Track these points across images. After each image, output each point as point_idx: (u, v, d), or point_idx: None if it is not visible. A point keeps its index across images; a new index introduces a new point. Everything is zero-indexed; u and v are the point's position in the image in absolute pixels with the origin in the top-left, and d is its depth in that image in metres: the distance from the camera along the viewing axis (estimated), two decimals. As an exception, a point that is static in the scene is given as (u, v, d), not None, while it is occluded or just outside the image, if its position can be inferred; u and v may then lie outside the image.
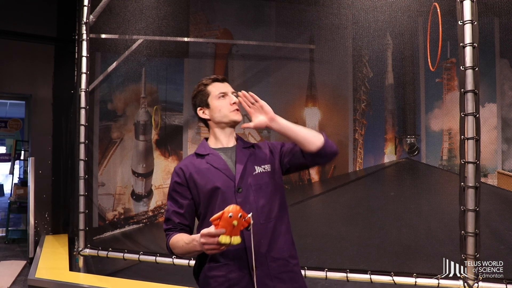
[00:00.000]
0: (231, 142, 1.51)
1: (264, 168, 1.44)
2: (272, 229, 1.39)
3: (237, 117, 1.50)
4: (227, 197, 1.37)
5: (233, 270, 1.35)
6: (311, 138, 1.38)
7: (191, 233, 1.43)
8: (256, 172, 1.43)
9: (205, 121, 1.55)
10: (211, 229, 1.16)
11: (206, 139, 1.56)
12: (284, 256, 1.40)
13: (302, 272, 2.92)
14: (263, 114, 1.41)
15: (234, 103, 1.49)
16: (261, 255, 1.35)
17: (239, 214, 1.17)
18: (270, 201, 1.41)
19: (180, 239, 1.36)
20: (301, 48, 4.64)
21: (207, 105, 1.52)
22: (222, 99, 1.50)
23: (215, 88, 1.51)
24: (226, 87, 1.52)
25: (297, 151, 1.44)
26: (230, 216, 1.15)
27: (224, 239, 1.15)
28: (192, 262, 3.22)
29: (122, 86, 4.53)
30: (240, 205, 1.22)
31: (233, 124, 1.51)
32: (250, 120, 1.46)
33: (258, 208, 1.38)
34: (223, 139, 1.50)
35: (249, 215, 1.21)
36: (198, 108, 1.56)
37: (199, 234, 1.22)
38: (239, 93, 1.44)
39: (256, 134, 4.63)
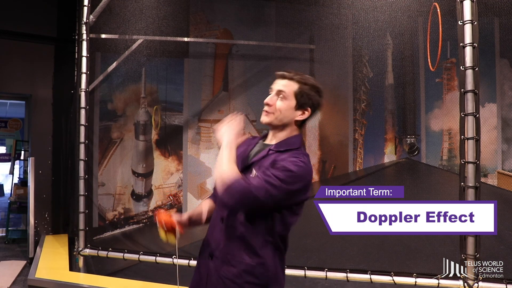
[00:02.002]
0: (273, 141, 1.44)
1: (255, 174, 1.36)
2: (236, 232, 1.35)
3: (262, 117, 1.43)
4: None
5: (201, 253, 1.47)
6: (215, 178, 1.31)
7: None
8: (252, 175, 1.36)
9: None
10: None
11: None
12: (232, 263, 1.35)
13: (302, 272, 2.95)
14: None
15: (266, 102, 1.42)
16: (219, 251, 1.37)
17: (162, 222, 1.38)
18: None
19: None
20: (301, 48, 4.64)
21: None
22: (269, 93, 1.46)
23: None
24: (277, 83, 1.43)
25: None
26: (159, 222, 1.38)
27: (161, 234, 1.38)
28: (192, 262, 3.22)
29: (122, 86, 4.53)
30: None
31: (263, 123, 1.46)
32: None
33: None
34: (270, 134, 1.47)
35: (177, 229, 1.39)
36: None
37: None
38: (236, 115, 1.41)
39: (255, 133, 4.63)
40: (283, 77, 1.41)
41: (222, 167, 1.29)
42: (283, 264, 1.42)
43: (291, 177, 1.27)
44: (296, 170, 1.28)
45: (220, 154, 1.33)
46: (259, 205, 1.26)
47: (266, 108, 1.41)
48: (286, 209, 1.34)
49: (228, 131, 1.37)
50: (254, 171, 1.36)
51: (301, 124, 1.44)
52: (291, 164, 1.29)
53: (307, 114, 1.40)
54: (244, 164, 1.42)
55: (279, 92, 1.40)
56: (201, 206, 1.53)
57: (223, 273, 1.34)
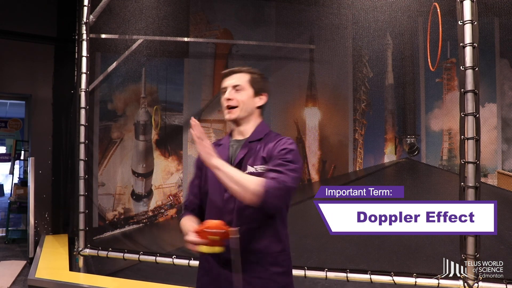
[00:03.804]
0: (246, 134, 1.47)
1: (255, 169, 1.38)
2: (249, 232, 1.34)
3: (227, 116, 1.46)
4: (215, 196, 1.42)
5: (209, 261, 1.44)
6: (242, 194, 1.26)
7: (200, 210, 1.53)
8: (248, 172, 1.37)
9: None
10: (195, 237, 1.23)
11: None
12: (261, 261, 1.36)
13: (302, 272, 2.95)
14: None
15: (227, 98, 1.45)
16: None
17: (222, 230, 1.21)
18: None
19: (185, 223, 1.46)
20: (301, 48, 4.64)
21: None
22: (223, 95, 1.49)
23: (222, 83, 1.51)
24: (229, 79, 1.47)
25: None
26: (211, 232, 1.20)
27: (205, 249, 1.21)
28: (192, 262, 3.22)
29: (122, 86, 4.53)
30: (225, 203, 1.36)
31: (229, 122, 1.49)
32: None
33: (238, 210, 1.36)
34: (235, 131, 1.50)
35: (234, 229, 1.23)
36: None
37: (192, 227, 1.29)
38: (191, 121, 1.29)
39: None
40: (232, 72, 1.49)
41: (240, 181, 1.27)
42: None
43: (295, 154, 1.37)
44: (294, 147, 1.39)
45: (222, 174, 1.28)
46: (294, 192, 1.34)
47: (229, 103, 1.45)
48: None
49: (206, 153, 1.29)
50: (249, 167, 1.39)
51: (261, 109, 1.52)
52: (285, 144, 1.38)
53: (264, 98, 1.50)
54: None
55: (235, 86, 1.46)
56: (189, 224, 1.44)
57: (245, 274, 1.33)
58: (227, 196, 1.37)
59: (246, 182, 1.26)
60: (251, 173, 1.36)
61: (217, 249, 1.21)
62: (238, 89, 1.45)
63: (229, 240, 1.23)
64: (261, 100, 1.49)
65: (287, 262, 1.43)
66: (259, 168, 1.38)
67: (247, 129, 1.47)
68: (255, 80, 1.48)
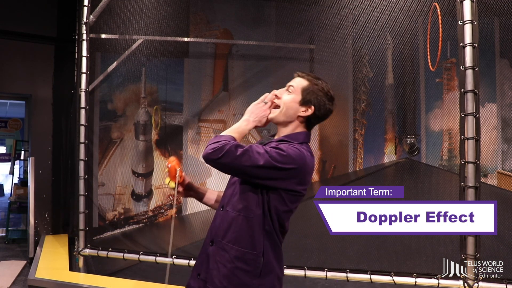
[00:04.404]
0: (278, 135, 1.50)
1: None
2: (231, 219, 1.40)
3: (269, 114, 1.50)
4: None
5: (204, 242, 1.50)
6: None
7: None
8: None
9: None
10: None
11: None
12: (226, 248, 1.39)
13: (302, 272, 2.95)
14: None
15: (276, 95, 1.47)
16: (218, 236, 1.42)
17: (169, 165, 1.52)
18: (242, 195, 1.39)
19: None
20: (301, 48, 4.64)
21: None
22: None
23: None
24: (292, 80, 1.48)
25: None
26: (167, 165, 1.51)
27: (166, 180, 1.53)
28: (192, 262, 3.22)
29: (122, 86, 4.53)
30: (228, 187, 1.47)
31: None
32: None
33: (227, 195, 1.46)
34: (276, 135, 1.52)
35: (178, 169, 1.50)
36: None
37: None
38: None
39: (256, 134, 4.63)
40: (298, 75, 1.47)
41: (225, 132, 1.38)
42: (279, 256, 1.43)
43: (280, 155, 1.29)
44: (286, 150, 1.31)
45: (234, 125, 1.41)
46: (238, 165, 1.27)
47: (274, 100, 1.46)
48: (280, 200, 1.36)
49: (257, 111, 1.44)
50: None
51: (306, 122, 1.44)
52: (283, 146, 1.33)
53: (310, 112, 1.41)
54: None
55: (288, 87, 1.45)
56: (208, 189, 1.65)
57: (218, 258, 1.39)
58: (233, 180, 1.47)
59: (224, 133, 1.38)
60: None
61: (171, 184, 1.52)
62: (289, 90, 1.44)
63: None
64: (305, 112, 1.41)
65: (256, 264, 1.37)
66: None
67: (284, 132, 1.45)
68: (310, 89, 1.41)
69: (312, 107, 1.41)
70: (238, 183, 1.42)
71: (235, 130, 1.40)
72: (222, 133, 1.38)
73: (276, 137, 1.49)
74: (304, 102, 1.41)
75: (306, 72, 1.47)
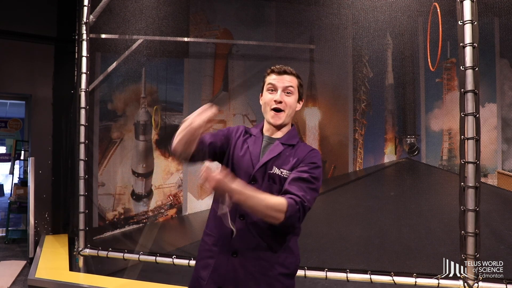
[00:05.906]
0: (278, 134, 1.48)
1: (281, 172, 1.40)
2: (261, 229, 1.37)
3: (273, 120, 1.44)
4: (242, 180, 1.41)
5: (216, 245, 1.42)
6: (268, 217, 1.27)
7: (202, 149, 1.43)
8: (272, 172, 1.40)
9: None
10: (216, 174, 1.18)
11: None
12: (268, 260, 1.38)
13: (302, 272, 2.94)
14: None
15: (277, 101, 1.42)
16: (247, 247, 1.37)
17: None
18: None
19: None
20: (301, 48, 4.63)
21: (262, 93, 1.51)
22: (268, 92, 1.46)
23: (270, 78, 1.47)
24: (281, 80, 1.44)
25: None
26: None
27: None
28: (192, 262, 3.22)
29: (122, 86, 4.53)
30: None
31: (270, 124, 1.46)
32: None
33: None
34: (269, 130, 1.49)
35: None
36: (260, 93, 1.54)
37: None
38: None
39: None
40: (284, 72, 1.45)
41: (262, 206, 1.25)
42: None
43: (321, 172, 1.40)
44: (317, 161, 1.41)
45: (245, 198, 1.23)
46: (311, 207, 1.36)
47: (278, 106, 1.43)
48: None
49: (222, 182, 1.21)
50: (275, 168, 1.40)
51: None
52: (316, 158, 1.42)
53: (300, 105, 1.50)
54: (256, 159, 1.43)
55: (286, 88, 1.44)
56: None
57: (253, 268, 1.36)
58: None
59: (269, 208, 1.25)
60: (276, 175, 1.39)
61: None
62: (289, 93, 1.44)
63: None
64: (299, 106, 1.50)
65: (294, 266, 1.44)
66: (285, 172, 1.39)
67: (283, 130, 1.49)
68: (300, 85, 1.48)
69: (302, 100, 1.50)
70: (264, 189, 1.36)
71: (258, 196, 1.26)
72: (264, 204, 1.25)
73: (275, 134, 1.49)
74: (299, 99, 1.49)
75: (288, 67, 1.48)
